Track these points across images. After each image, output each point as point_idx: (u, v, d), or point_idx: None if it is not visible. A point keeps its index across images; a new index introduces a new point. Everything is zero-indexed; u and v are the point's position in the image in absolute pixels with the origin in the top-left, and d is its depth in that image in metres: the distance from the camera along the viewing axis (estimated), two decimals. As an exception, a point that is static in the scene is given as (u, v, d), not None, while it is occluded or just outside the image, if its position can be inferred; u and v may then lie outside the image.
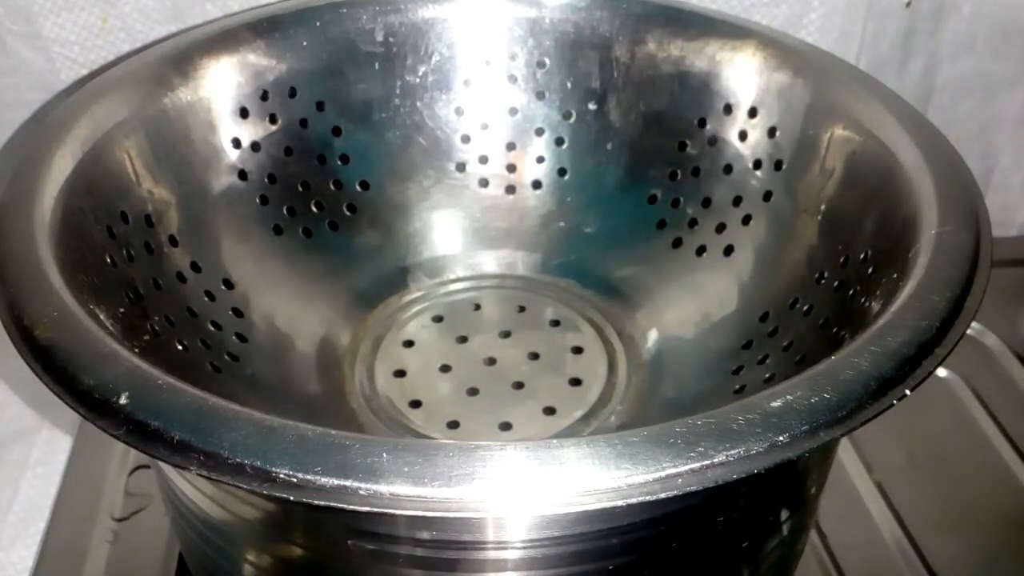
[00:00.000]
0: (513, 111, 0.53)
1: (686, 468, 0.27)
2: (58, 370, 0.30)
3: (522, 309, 0.51)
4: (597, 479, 0.26)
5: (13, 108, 0.57)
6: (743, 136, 0.48)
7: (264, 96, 0.48)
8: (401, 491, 0.26)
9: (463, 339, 0.49)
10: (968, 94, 0.64)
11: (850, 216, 0.42)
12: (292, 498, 0.26)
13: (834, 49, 0.49)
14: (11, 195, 0.37)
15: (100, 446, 0.51)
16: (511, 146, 0.53)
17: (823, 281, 0.42)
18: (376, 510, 0.26)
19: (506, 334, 0.50)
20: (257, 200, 0.48)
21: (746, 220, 0.48)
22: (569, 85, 0.52)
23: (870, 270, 0.39)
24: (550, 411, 0.46)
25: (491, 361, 0.48)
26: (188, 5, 0.55)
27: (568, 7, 0.51)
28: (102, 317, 0.34)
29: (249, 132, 0.48)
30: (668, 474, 0.27)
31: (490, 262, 0.54)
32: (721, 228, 0.49)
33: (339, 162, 0.51)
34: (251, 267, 0.47)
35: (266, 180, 0.49)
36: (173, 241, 0.43)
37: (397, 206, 0.52)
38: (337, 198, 0.51)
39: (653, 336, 0.49)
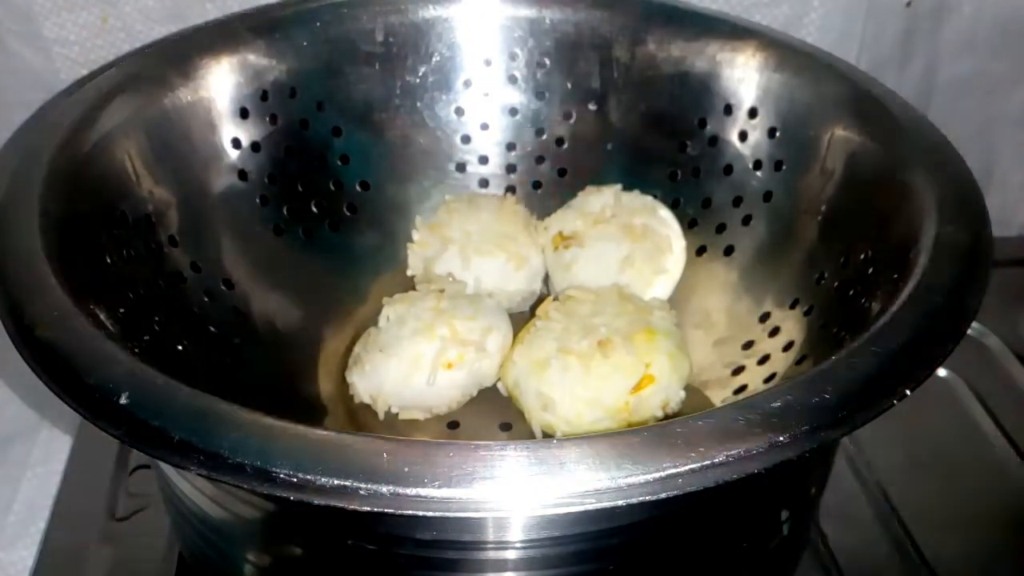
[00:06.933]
0: (513, 111, 0.53)
1: (686, 468, 0.27)
2: (58, 370, 0.30)
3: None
4: (597, 479, 0.26)
5: (13, 108, 0.57)
6: (743, 136, 0.48)
7: (264, 96, 0.48)
8: (401, 491, 0.26)
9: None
10: (968, 94, 0.64)
11: (850, 216, 0.42)
12: (292, 498, 0.26)
13: (834, 49, 0.49)
14: (11, 195, 0.37)
15: (100, 446, 0.50)
16: (511, 146, 0.53)
17: (823, 281, 0.42)
18: (376, 510, 0.26)
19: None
20: (257, 200, 0.48)
21: (746, 220, 0.48)
22: (569, 85, 0.52)
23: (870, 270, 0.39)
24: (550, 411, 0.45)
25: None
26: (188, 5, 0.55)
27: (568, 7, 0.51)
28: (102, 317, 0.34)
29: (249, 132, 0.48)
30: (668, 474, 0.27)
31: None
32: (721, 228, 0.49)
33: (339, 162, 0.51)
34: (251, 267, 0.47)
35: (266, 180, 0.49)
36: (173, 241, 0.43)
37: (397, 206, 0.52)
38: (337, 198, 0.51)
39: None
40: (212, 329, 0.44)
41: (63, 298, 0.32)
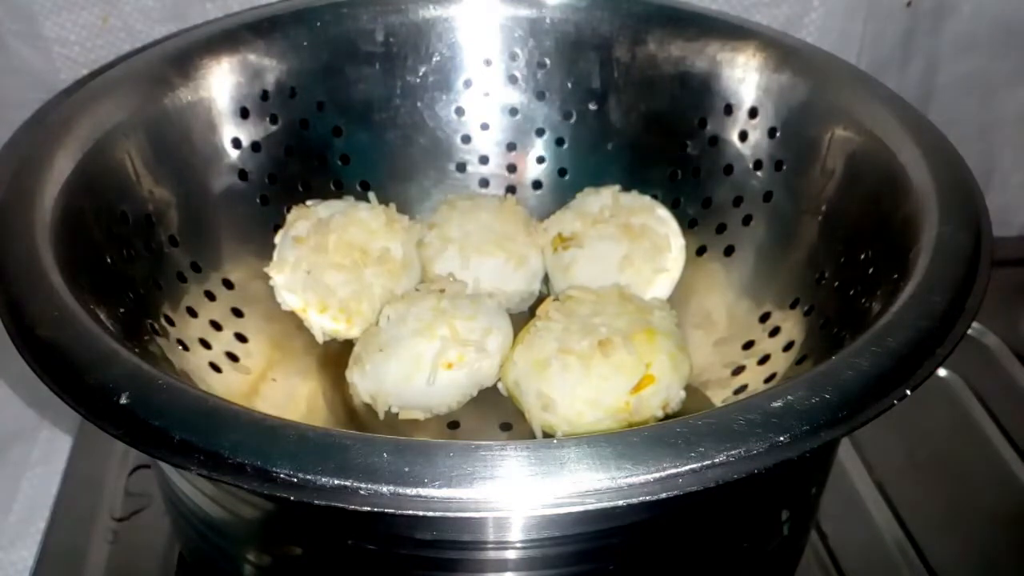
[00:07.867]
0: (513, 111, 0.53)
1: (686, 468, 0.27)
2: (58, 370, 0.30)
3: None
4: (597, 479, 0.26)
5: (13, 108, 0.57)
6: (743, 136, 0.48)
7: (264, 96, 0.48)
8: (401, 491, 0.26)
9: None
10: (968, 94, 0.64)
11: (850, 216, 0.42)
12: (292, 498, 0.27)
13: (834, 49, 0.49)
14: (11, 195, 0.37)
15: (100, 446, 0.51)
16: (511, 146, 0.53)
17: (823, 281, 0.42)
18: (376, 510, 0.26)
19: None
20: (257, 200, 0.48)
21: (746, 220, 0.48)
22: (570, 85, 0.52)
23: (870, 270, 0.39)
24: (550, 411, 0.45)
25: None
26: (188, 5, 0.55)
27: (569, 7, 0.51)
28: (102, 317, 0.34)
29: (249, 132, 0.48)
30: (668, 474, 0.27)
31: (490, 262, 0.54)
32: (722, 228, 0.49)
33: (339, 162, 0.51)
34: (251, 267, 0.47)
35: (266, 180, 0.49)
36: (173, 241, 0.44)
37: (397, 206, 0.52)
38: (337, 198, 0.51)
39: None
40: (212, 329, 0.44)
41: (63, 298, 0.32)
